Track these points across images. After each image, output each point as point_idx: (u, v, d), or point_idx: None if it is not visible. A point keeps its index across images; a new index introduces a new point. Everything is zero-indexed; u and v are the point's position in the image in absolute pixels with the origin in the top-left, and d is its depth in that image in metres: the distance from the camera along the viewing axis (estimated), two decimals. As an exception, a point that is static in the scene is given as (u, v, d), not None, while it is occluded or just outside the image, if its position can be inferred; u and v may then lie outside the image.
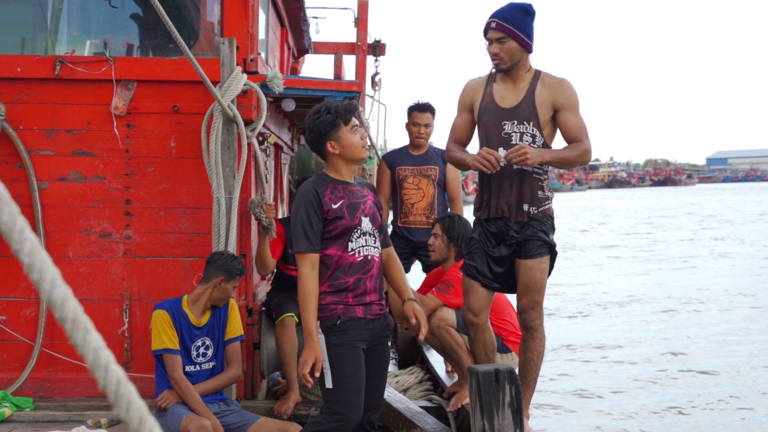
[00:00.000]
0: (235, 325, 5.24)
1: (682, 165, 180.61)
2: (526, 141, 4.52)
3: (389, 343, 4.45)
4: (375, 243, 4.27)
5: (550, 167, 4.60)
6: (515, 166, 4.50)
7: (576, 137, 4.48)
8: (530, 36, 4.56)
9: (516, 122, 4.53)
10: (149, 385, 5.26)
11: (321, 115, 4.25)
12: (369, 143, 11.12)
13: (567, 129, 4.50)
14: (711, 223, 39.31)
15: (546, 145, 4.55)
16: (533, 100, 4.52)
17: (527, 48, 4.56)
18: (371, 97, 10.33)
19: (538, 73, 4.61)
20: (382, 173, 7.19)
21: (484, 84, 4.72)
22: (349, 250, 4.18)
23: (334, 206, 4.17)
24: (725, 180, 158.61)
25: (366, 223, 4.24)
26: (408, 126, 7.02)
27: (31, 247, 1.08)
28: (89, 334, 1.08)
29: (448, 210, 6.98)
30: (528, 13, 4.57)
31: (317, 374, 4.08)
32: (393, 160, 7.09)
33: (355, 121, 4.30)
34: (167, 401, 4.91)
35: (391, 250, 4.56)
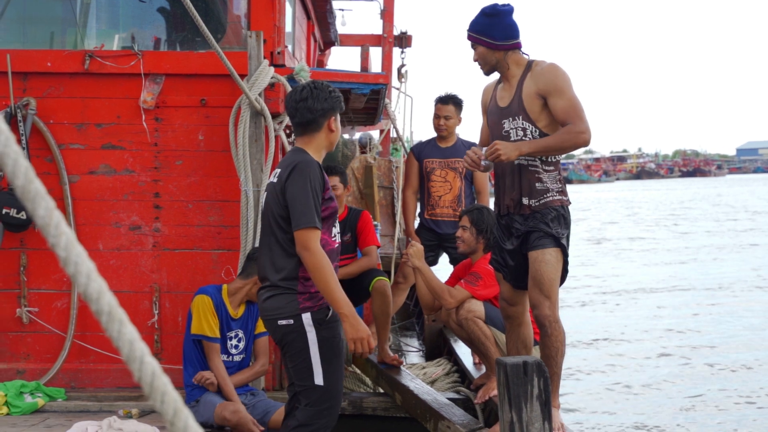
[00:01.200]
0: None
1: (712, 155, 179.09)
2: (519, 136, 4.51)
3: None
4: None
5: (553, 158, 4.52)
6: (516, 162, 4.51)
7: (564, 121, 4.39)
8: (494, 36, 4.56)
9: (511, 119, 4.56)
10: (179, 377, 5.32)
11: (333, 90, 4.14)
12: (395, 135, 11.14)
13: (556, 114, 4.43)
14: (739, 215, 38.94)
15: (543, 135, 4.49)
16: (521, 93, 4.54)
17: (495, 48, 4.57)
18: (397, 89, 10.34)
19: (530, 64, 4.58)
20: (411, 165, 7.20)
21: (494, 87, 4.79)
22: (333, 234, 4.06)
23: (329, 185, 4.05)
24: (756, 171, 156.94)
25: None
26: (433, 119, 7.03)
27: (67, 241, 1.10)
28: (124, 327, 1.10)
29: (475, 202, 6.97)
30: (490, 15, 4.60)
31: (372, 349, 3.90)
32: (421, 152, 7.09)
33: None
34: (207, 379, 4.98)
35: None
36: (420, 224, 7.14)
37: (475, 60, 4.66)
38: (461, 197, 6.92)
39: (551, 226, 4.47)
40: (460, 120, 7.03)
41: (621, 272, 19.54)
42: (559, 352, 4.46)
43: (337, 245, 4.10)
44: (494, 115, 4.68)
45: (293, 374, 4.05)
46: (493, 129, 4.69)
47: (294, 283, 3.95)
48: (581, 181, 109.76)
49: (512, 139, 4.53)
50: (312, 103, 4.03)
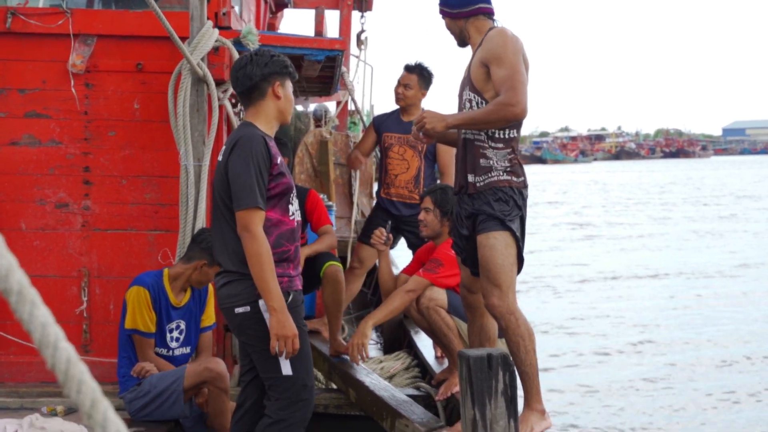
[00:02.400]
0: (210, 312, 5.27)
1: (696, 136, 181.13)
2: (467, 107, 4.53)
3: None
4: (298, 208, 4.22)
5: (502, 135, 4.49)
6: (463, 135, 4.53)
7: (498, 91, 4.37)
8: (453, 4, 4.65)
9: (465, 89, 4.61)
10: (110, 371, 5.27)
11: (276, 55, 4.15)
12: (353, 107, 11.09)
13: (494, 85, 4.42)
14: (724, 199, 39.52)
15: None
16: (471, 63, 4.58)
17: (454, 17, 4.64)
18: (356, 56, 10.29)
19: (488, 32, 4.60)
20: (368, 132, 7.23)
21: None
22: (290, 213, 4.08)
23: (279, 160, 4.04)
24: (743, 152, 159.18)
25: (293, 186, 4.18)
26: (395, 86, 7.02)
27: (-29, 212, 1.07)
28: (36, 308, 1.08)
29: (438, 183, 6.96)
30: None
31: (297, 350, 3.92)
32: (381, 124, 7.06)
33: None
34: (147, 371, 4.96)
35: None
36: (376, 204, 7.14)
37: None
38: (419, 178, 6.90)
39: (495, 207, 4.42)
40: (423, 94, 6.99)
41: (595, 259, 19.75)
42: (521, 347, 4.35)
43: (297, 223, 4.12)
44: (460, 85, 4.72)
45: (258, 366, 4.08)
46: (459, 100, 4.71)
47: (248, 268, 3.96)
48: (556, 161, 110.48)
49: (465, 110, 4.56)
50: (251, 69, 4.07)
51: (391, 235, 6.02)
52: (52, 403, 5.24)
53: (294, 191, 4.15)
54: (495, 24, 4.64)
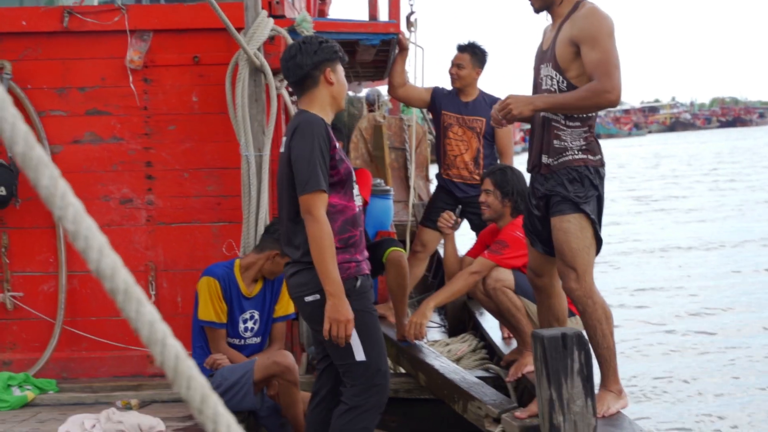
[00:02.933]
0: (285, 303, 5.28)
1: (753, 103, 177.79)
2: (548, 85, 4.39)
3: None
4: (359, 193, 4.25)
5: (579, 115, 4.39)
6: (541, 113, 4.42)
7: (591, 75, 4.22)
8: None
9: (546, 64, 4.44)
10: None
11: (325, 40, 4.16)
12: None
13: (586, 66, 4.24)
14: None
15: (571, 88, 4.32)
16: (556, 37, 4.40)
17: None
18: (407, 39, 10.27)
19: (576, 5, 4.40)
20: (424, 90, 7.10)
21: (550, 27, 4.65)
22: (354, 198, 4.12)
23: (337, 146, 4.06)
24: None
25: (352, 171, 4.19)
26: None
27: (75, 213, 1.08)
28: (143, 306, 1.09)
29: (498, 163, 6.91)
30: None
31: (350, 335, 3.94)
32: (441, 100, 6.96)
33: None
34: (218, 361, 5.01)
35: None
36: (437, 185, 7.10)
37: None
38: (479, 159, 6.85)
39: (569, 189, 4.34)
40: (478, 72, 6.92)
41: (657, 232, 19.54)
42: (598, 331, 4.27)
43: (358, 209, 4.15)
44: (537, 58, 4.56)
45: (332, 354, 4.11)
46: (535, 73, 4.58)
47: None
48: (609, 136, 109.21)
49: (543, 87, 4.45)
50: (301, 59, 4.09)
51: (459, 219, 6.01)
52: (126, 396, 5.32)
53: (354, 176, 4.17)
54: None
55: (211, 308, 5.08)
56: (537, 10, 4.53)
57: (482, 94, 6.92)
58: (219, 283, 5.11)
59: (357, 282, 4.03)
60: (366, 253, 4.23)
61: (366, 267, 4.17)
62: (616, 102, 4.24)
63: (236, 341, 5.21)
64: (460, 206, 6.00)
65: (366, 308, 4.05)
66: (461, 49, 6.92)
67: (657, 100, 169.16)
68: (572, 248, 4.32)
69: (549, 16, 4.58)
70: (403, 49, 6.71)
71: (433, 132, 11.86)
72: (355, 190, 4.15)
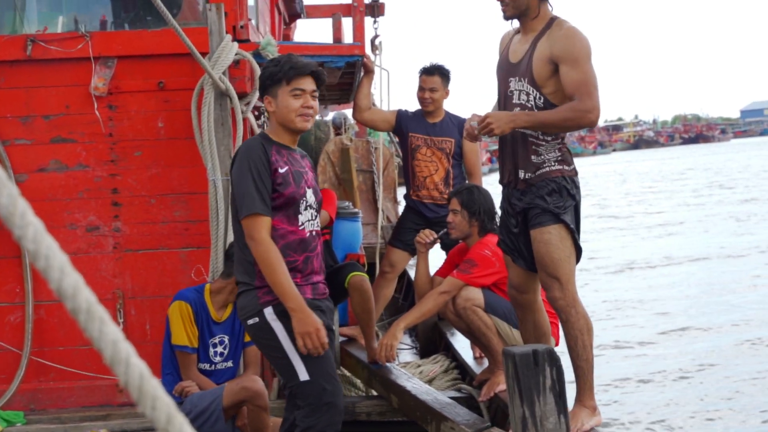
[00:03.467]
0: None
1: (715, 119, 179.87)
2: (522, 100, 4.42)
3: (334, 329, 4.31)
4: (316, 218, 4.18)
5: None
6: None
7: (572, 94, 4.28)
8: None
9: (517, 78, 4.45)
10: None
11: (268, 66, 4.15)
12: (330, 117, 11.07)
13: (565, 85, 4.30)
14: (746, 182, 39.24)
15: (548, 104, 4.36)
16: (532, 53, 4.41)
17: None
18: (372, 62, 10.28)
19: (551, 22, 4.44)
20: (389, 113, 7.09)
21: (510, 37, 4.66)
22: (299, 223, 4.06)
23: (281, 170, 4.02)
24: (762, 133, 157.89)
25: (310, 196, 4.13)
26: (417, 91, 6.94)
27: (35, 232, 1.06)
28: (105, 326, 1.06)
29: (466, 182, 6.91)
30: None
31: (324, 342, 3.93)
32: (407, 123, 6.94)
33: (302, 84, 4.06)
34: (186, 389, 4.96)
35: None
36: (406, 206, 7.09)
37: None
38: (449, 179, 6.86)
39: (548, 201, 4.38)
40: (447, 93, 6.93)
41: (622, 249, 19.66)
42: (579, 342, 4.32)
43: (308, 234, 4.09)
44: (503, 70, 4.57)
45: (280, 376, 4.07)
46: (500, 84, 4.58)
47: (252, 278, 4.03)
48: (575, 155, 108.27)
49: (515, 101, 4.45)
50: (260, 81, 4.19)
51: (438, 239, 6.01)
52: (95, 426, 5.26)
53: (306, 201, 4.11)
54: (551, 11, 4.51)
55: (183, 332, 5.04)
56: (508, 17, 4.51)
57: (448, 114, 6.93)
58: (191, 307, 5.07)
59: None
60: (319, 277, 4.18)
61: (308, 291, 4.08)
62: (596, 121, 4.33)
63: (206, 366, 5.16)
64: (445, 229, 5.97)
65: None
66: (430, 72, 6.88)
67: (620, 119, 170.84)
68: (554, 258, 4.35)
69: (516, 25, 4.59)
70: (369, 72, 6.72)
71: (400, 154, 11.89)
72: (305, 216, 4.09)
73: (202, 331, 5.10)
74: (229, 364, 5.23)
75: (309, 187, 4.13)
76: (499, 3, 4.49)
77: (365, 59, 6.36)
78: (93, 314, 1.06)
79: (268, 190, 3.97)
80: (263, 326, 4.01)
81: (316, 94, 4.15)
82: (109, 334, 1.06)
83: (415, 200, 6.93)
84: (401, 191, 10.73)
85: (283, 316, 3.96)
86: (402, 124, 6.92)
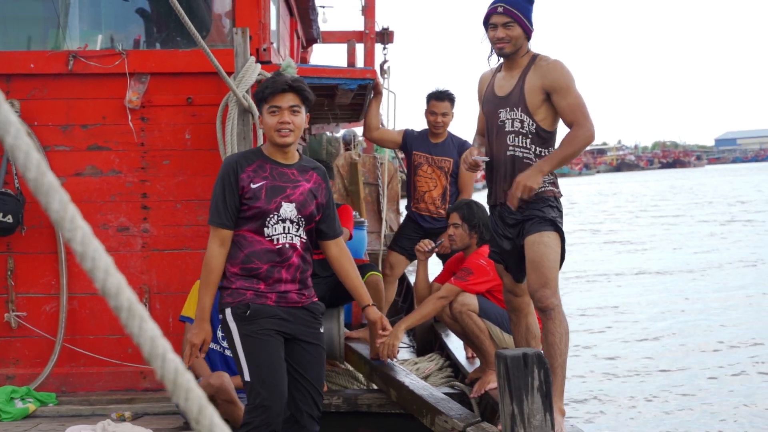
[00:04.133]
0: None
1: (691, 147, 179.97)
2: (516, 127, 4.47)
3: (321, 331, 4.13)
4: (298, 231, 4.00)
5: (546, 153, 4.49)
6: (508, 153, 4.49)
7: (571, 120, 4.39)
8: (532, 23, 4.57)
9: (508, 109, 4.51)
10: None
11: (258, 87, 4.09)
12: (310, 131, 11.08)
13: (562, 112, 4.43)
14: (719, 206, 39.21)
15: (540, 129, 4.44)
16: (523, 85, 4.48)
17: (528, 35, 4.57)
18: (381, 84, 10.30)
19: (534, 58, 4.55)
20: (396, 133, 7.10)
21: (492, 75, 4.74)
22: (266, 235, 3.95)
23: (253, 186, 3.93)
24: (734, 161, 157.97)
25: (288, 210, 3.96)
26: (426, 114, 6.93)
27: (83, 236, 1.06)
28: (145, 323, 1.06)
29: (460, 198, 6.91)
30: (532, 1, 4.59)
31: (203, 355, 3.95)
32: (412, 141, 6.98)
33: (278, 101, 3.95)
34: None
35: (339, 241, 4.28)
36: (406, 216, 7.11)
37: (499, 38, 4.50)
38: (445, 195, 6.88)
39: (546, 212, 4.45)
40: (453, 116, 6.96)
41: (604, 261, 19.64)
42: (563, 341, 4.34)
43: (277, 246, 3.96)
44: (490, 104, 4.63)
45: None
46: (489, 117, 4.64)
47: (223, 279, 4.02)
48: (562, 174, 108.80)
49: (507, 128, 4.50)
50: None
51: (436, 249, 6.01)
52: (120, 409, 5.24)
53: (278, 215, 3.96)
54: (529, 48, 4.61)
55: (191, 305, 5.10)
56: (506, 54, 4.57)
57: (450, 135, 6.94)
58: None
59: (247, 309, 3.91)
60: (290, 287, 4.00)
61: (272, 298, 3.96)
62: (595, 137, 4.45)
63: (214, 346, 5.19)
64: (441, 240, 5.97)
65: (255, 332, 3.89)
66: (440, 98, 6.86)
67: (605, 143, 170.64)
68: (550, 260, 4.39)
69: (498, 65, 4.67)
70: (378, 93, 6.74)
71: (404, 170, 11.92)
72: (274, 230, 3.95)
73: (212, 314, 5.10)
74: None
75: (290, 201, 3.98)
76: (496, 42, 4.54)
77: (376, 81, 6.37)
78: (134, 312, 1.06)
79: (230, 204, 3.93)
80: (225, 325, 3.98)
81: (298, 108, 3.99)
82: (148, 330, 1.06)
83: (414, 212, 6.96)
84: (403, 203, 10.70)
85: (239, 318, 3.91)
86: (407, 143, 6.95)
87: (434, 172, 6.85)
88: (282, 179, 4.00)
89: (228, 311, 3.94)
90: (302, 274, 4.04)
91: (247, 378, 3.88)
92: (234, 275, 3.96)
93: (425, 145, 6.90)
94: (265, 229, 3.94)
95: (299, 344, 4.01)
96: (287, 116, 3.96)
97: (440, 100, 6.83)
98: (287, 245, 3.98)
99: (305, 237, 4.06)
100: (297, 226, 4.00)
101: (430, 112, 6.85)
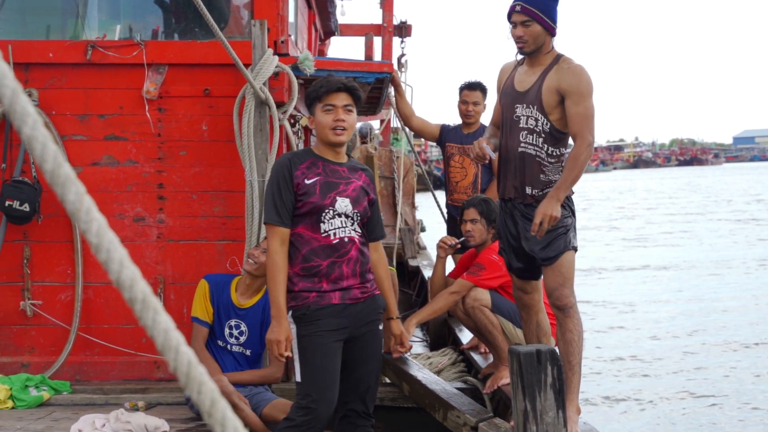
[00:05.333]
0: None
1: (709, 144, 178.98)
2: (531, 125, 4.47)
3: (380, 327, 4.21)
4: (353, 225, 4.06)
5: (557, 152, 4.49)
6: (519, 149, 4.48)
7: (576, 130, 4.37)
8: (554, 20, 4.52)
9: (525, 105, 4.51)
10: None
11: (308, 88, 4.15)
12: (396, 125, 11.06)
13: (569, 118, 4.40)
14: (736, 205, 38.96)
15: (553, 129, 4.44)
16: (542, 84, 4.46)
17: (551, 32, 4.53)
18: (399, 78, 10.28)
19: (558, 58, 4.52)
20: (433, 126, 7.15)
21: (513, 68, 4.72)
22: (322, 231, 3.99)
23: (307, 181, 3.99)
24: (752, 159, 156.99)
25: (343, 205, 4.02)
26: (459, 105, 6.98)
27: (99, 227, 1.06)
28: (159, 315, 1.06)
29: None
30: None
31: (288, 353, 3.95)
32: (446, 134, 7.05)
33: (333, 100, 4.03)
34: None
35: (379, 245, 4.34)
36: (447, 213, 7.19)
37: (519, 36, 4.48)
38: (477, 183, 6.89)
39: (560, 219, 4.43)
40: (485, 107, 6.99)
41: (619, 255, 19.57)
42: (581, 338, 4.38)
43: (335, 240, 4.00)
44: (509, 96, 4.61)
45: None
46: (505, 110, 4.62)
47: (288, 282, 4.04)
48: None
49: (522, 125, 4.49)
50: (305, 104, 4.19)
51: (458, 246, 6.01)
52: (134, 399, 5.27)
53: (334, 210, 4.02)
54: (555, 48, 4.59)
55: (198, 306, 5.16)
56: (527, 53, 4.55)
57: (482, 126, 6.94)
58: (209, 287, 5.17)
59: (307, 310, 3.97)
60: (351, 281, 4.06)
61: (336, 296, 4.00)
62: (593, 151, 4.46)
63: (221, 343, 5.19)
64: (464, 237, 5.95)
65: (312, 333, 3.95)
66: (472, 87, 6.91)
67: (622, 140, 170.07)
68: (567, 259, 4.43)
69: (521, 58, 4.64)
70: (398, 86, 6.78)
71: (420, 163, 11.89)
72: (331, 224, 4.00)
73: (218, 310, 5.13)
74: (247, 352, 5.19)
75: (344, 197, 4.03)
76: (516, 41, 4.51)
77: (393, 74, 6.38)
78: (148, 304, 1.06)
79: (287, 203, 3.98)
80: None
81: (351, 108, 4.09)
82: (161, 323, 1.06)
83: (449, 204, 7.01)
84: (419, 197, 10.66)
85: (298, 320, 3.98)
86: (443, 137, 7.04)
87: (464, 161, 6.88)
88: (335, 176, 4.07)
89: (289, 314, 4.01)
90: (362, 267, 4.10)
91: (297, 378, 3.97)
92: (295, 276, 4.00)
93: (458, 136, 6.95)
94: (321, 224, 4.00)
95: (358, 342, 4.08)
96: (342, 114, 4.05)
97: (472, 90, 6.89)
98: (346, 239, 4.03)
99: (361, 231, 4.12)
100: (352, 221, 4.06)
101: (462, 102, 6.91)
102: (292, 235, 4.01)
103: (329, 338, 3.96)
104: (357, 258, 4.07)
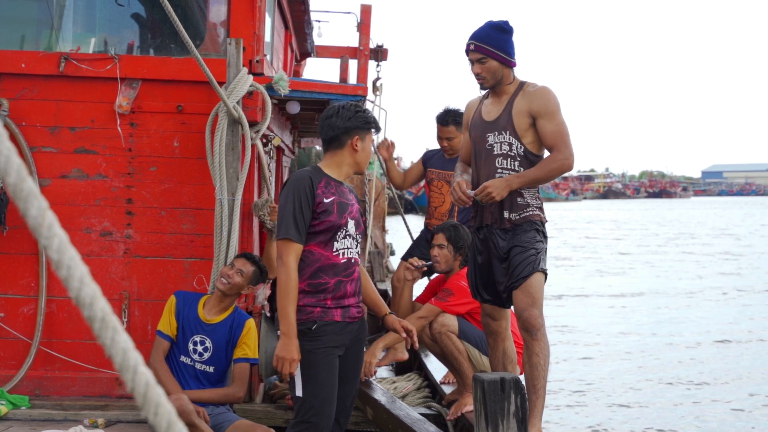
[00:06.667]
0: (250, 346, 5.16)
1: (678, 177, 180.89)
2: (504, 150, 4.56)
3: (364, 350, 4.33)
4: (357, 247, 4.18)
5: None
6: (496, 175, 4.55)
7: (552, 145, 4.50)
8: (509, 53, 4.63)
9: (496, 133, 4.61)
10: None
11: (361, 110, 4.16)
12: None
13: (544, 137, 4.53)
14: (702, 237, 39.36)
15: (528, 152, 4.54)
16: (511, 109, 4.59)
17: (508, 64, 4.63)
18: (372, 102, 10.30)
19: (521, 85, 4.65)
20: (416, 165, 7.21)
21: (478, 102, 4.84)
22: (334, 249, 4.05)
23: (326, 200, 4.03)
24: (720, 193, 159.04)
25: (351, 226, 4.12)
26: (437, 138, 6.96)
27: (60, 243, 1.05)
28: (118, 335, 1.05)
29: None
30: (504, 30, 4.65)
31: (293, 372, 3.95)
32: (429, 160, 7.06)
33: (372, 136, 4.25)
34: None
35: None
36: (421, 231, 7.20)
37: (477, 73, 4.63)
38: (453, 211, 6.88)
39: (531, 241, 4.50)
40: (461, 137, 6.98)
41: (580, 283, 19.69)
42: (547, 362, 4.44)
43: (343, 260, 4.08)
44: (478, 128, 4.69)
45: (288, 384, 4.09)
46: (476, 142, 4.70)
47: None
48: (549, 199, 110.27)
49: (496, 152, 4.57)
50: (335, 121, 4.14)
51: (424, 269, 6.02)
52: (93, 415, 5.20)
53: (346, 230, 4.10)
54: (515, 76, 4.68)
55: (163, 320, 5.14)
56: (487, 88, 4.72)
57: None
58: (176, 302, 5.15)
59: (314, 326, 4.00)
60: (352, 300, 4.14)
61: (338, 314, 4.07)
62: (573, 165, 4.62)
63: (185, 359, 5.12)
64: (430, 261, 5.96)
65: (316, 348, 3.99)
66: (445, 122, 6.83)
67: (592, 170, 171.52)
68: (537, 281, 4.49)
69: (485, 92, 4.77)
70: (387, 160, 6.95)
71: (390, 187, 11.91)
72: (342, 244, 4.07)
73: (183, 325, 5.10)
74: (210, 369, 5.12)
75: (352, 218, 4.12)
76: (475, 77, 4.64)
77: (380, 150, 6.39)
78: (107, 323, 1.05)
79: (306, 219, 3.99)
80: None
81: None
82: (120, 342, 1.05)
83: (425, 226, 7.00)
84: (389, 220, 10.65)
85: (302, 334, 3.99)
86: (426, 164, 7.03)
87: (443, 187, 6.88)
88: (344, 197, 4.15)
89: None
90: (360, 288, 4.21)
91: (299, 393, 3.98)
92: (301, 291, 4.01)
93: (440, 161, 6.96)
94: (335, 243, 4.06)
95: (343, 361, 4.13)
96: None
97: (445, 125, 6.81)
98: (352, 260, 4.12)
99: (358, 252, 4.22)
100: (356, 242, 4.17)
101: (437, 137, 6.88)
102: (304, 252, 4.04)
103: (333, 354, 4.04)
104: (358, 279, 4.19)
